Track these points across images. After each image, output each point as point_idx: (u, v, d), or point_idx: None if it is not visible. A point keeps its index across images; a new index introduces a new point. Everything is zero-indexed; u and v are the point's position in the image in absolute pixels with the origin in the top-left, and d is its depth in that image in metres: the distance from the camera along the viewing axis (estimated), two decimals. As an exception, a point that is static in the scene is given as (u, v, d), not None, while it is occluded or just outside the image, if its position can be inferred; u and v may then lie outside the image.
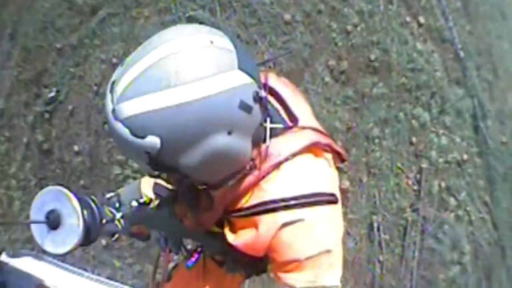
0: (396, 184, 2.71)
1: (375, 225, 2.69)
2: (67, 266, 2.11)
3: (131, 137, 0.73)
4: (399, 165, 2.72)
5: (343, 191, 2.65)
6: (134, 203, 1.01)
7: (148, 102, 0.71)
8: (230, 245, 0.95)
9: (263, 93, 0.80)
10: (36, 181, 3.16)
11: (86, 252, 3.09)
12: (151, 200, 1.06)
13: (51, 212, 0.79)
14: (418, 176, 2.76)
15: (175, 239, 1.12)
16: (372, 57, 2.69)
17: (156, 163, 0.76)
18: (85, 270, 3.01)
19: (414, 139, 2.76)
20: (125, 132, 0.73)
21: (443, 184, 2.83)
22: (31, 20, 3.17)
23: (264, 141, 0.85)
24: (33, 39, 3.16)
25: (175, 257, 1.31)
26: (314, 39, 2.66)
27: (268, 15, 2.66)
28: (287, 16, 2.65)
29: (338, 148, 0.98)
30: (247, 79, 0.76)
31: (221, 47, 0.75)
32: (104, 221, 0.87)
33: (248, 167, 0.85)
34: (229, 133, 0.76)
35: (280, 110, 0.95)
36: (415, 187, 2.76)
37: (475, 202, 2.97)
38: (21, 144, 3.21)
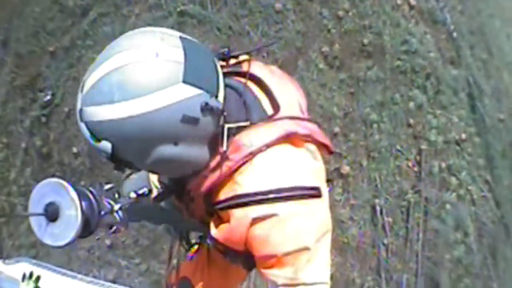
0: (396, 166, 2.71)
1: (378, 208, 2.69)
2: (62, 270, 2.12)
3: (90, 139, 0.81)
4: (399, 147, 2.72)
5: (343, 176, 2.66)
6: (133, 195, 1.00)
7: (98, 112, 0.76)
8: (212, 238, 0.95)
9: (215, 102, 0.79)
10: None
11: (91, 254, 3.09)
12: (150, 191, 1.04)
13: (50, 204, 0.78)
14: (418, 157, 2.76)
15: (179, 230, 1.12)
16: (365, 41, 2.70)
17: (113, 161, 0.81)
18: (91, 271, 3.04)
19: (411, 121, 2.76)
20: (87, 133, 0.80)
21: (443, 164, 2.83)
22: (22, 25, 3.17)
23: (222, 144, 0.83)
24: (25, 44, 3.15)
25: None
26: (306, 27, 2.66)
27: (259, 5, 2.66)
28: (278, 5, 2.66)
29: (322, 139, 0.93)
30: (194, 91, 0.76)
31: (166, 60, 0.76)
32: (102, 212, 0.86)
33: (218, 158, 0.84)
34: (175, 143, 0.78)
35: (262, 99, 0.92)
36: (416, 169, 2.76)
37: (476, 181, 2.98)
38: (19, 149, 3.21)
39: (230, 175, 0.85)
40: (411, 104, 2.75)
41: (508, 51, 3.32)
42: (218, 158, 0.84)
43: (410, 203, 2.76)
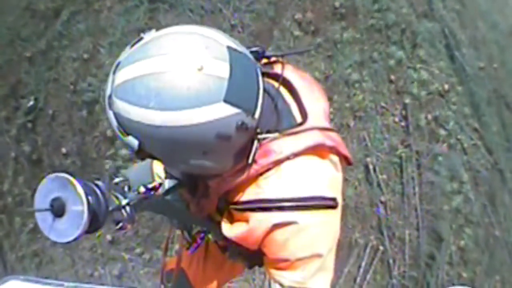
0: (383, 123, 2.73)
1: (371, 167, 2.71)
2: (50, 281, 2.15)
3: (117, 129, 0.79)
4: (383, 104, 2.74)
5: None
6: (142, 189, 0.98)
7: (130, 111, 0.74)
8: (224, 237, 0.96)
9: (251, 121, 0.77)
10: (32, 193, 3.15)
11: (94, 252, 3.09)
12: (160, 184, 1.03)
13: (56, 199, 0.77)
14: (403, 112, 2.78)
15: (183, 224, 1.13)
16: (337, 4, 2.72)
17: (138, 154, 0.80)
18: (96, 270, 3.04)
19: (393, 77, 2.78)
20: (115, 122, 0.78)
21: (429, 116, 2.85)
22: (-4, 36, 3.17)
23: (248, 159, 0.82)
24: (1, 54, 3.15)
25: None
26: (276, -3, 2.68)
27: (227, -18, 2.68)
28: (246, -21, 2.68)
29: (344, 151, 0.95)
30: (232, 110, 0.74)
31: (210, 75, 0.72)
32: (110, 208, 0.84)
33: (251, 159, 0.83)
34: (204, 153, 0.78)
35: (291, 105, 0.92)
36: (403, 123, 2.78)
37: (465, 130, 3.00)
38: (9, 160, 3.20)
39: (254, 178, 0.86)
40: (390, 61, 2.77)
41: (481, 1, 3.35)
42: (245, 161, 0.84)
43: (402, 158, 2.78)
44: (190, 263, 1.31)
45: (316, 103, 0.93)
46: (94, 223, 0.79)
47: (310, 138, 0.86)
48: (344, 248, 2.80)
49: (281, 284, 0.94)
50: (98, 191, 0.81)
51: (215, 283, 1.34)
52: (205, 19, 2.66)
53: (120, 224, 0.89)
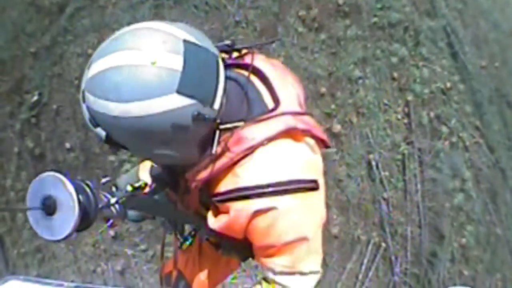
0: (386, 120, 2.74)
1: (374, 163, 2.72)
2: (52, 282, 2.17)
3: (88, 121, 0.84)
4: (386, 101, 2.75)
5: (335, 135, 2.69)
6: (129, 188, 1.01)
7: (95, 103, 0.78)
8: (213, 231, 0.96)
9: (209, 111, 0.79)
10: (34, 188, 3.16)
11: (97, 248, 3.09)
12: (146, 184, 1.05)
13: (47, 198, 0.78)
14: (406, 109, 2.80)
15: (173, 222, 1.13)
16: (341, 1, 2.74)
17: (108, 143, 0.84)
18: (99, 265, 3.04)
19: (395, 74, 2.80)
20: (87, 115, 0.83)
21: (432, 114, 2.87)
22: (1, 32, 3.19)
23: (211, 150, 0.84)
24: (6, 50, 3.17)
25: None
26: (280, -7, 2.70)
27: (232, -22, 2.70)
28: (252, -24, 2.70)
29: (320, 134, 0.94)
30: (186, 101, 0.76)
31: (163, 67, 0.75)
32: (99, 205, 0.86)
33: (219, 150, 0.84)
34: (165, 143, 0.81)
35: (263, 92, 0.92)
36: (405, 120, 2.79)
37: (467, 128, 3.02)
38: (12, 155, 3.21)
39: (230, 167, 0.86)
40: (393, 58, 2.79)
41: (482, 0, 3.38)
42: (218, 150, 0.85)
43: (404, 155, 2.79)
44: (186, 264, 1.32)
45: (288, 89, 0.94)
46: (85, 221, 0.80)
47: (282, 122, 0.87)
48: (347, 245, 2.81)
49: (272, 270, 0.96)
50: (88, 190, 0.83)
51: (211, 281, 1.34)
52: (209, 15, 2.68)
53: (110, 221, 0.92)
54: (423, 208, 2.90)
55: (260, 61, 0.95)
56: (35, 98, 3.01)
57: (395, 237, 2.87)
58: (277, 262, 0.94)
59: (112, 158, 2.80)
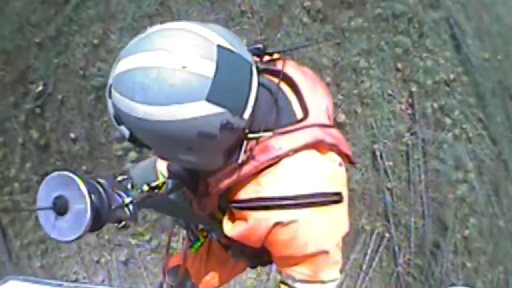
0: (390, 110, 2.76)
1: (378, 153, 2.73)
2: (52, 282, 2.20)
3: (112, 117, 0.82)
4: (390, 92, 2.77)
5: (340, 125, 2.70)
6: (145, 187, 0.99)
7: (121, 102, 0.76)
8: (226, 236, 0.95)
9: (238, 121, 0.77)
10: (38, 179, 3.16)
11: (100, 237, 3.09)
12: (163, 183, 1.04)
13: (58, 197, 0.75)
14: (410, 100, 2.81)
15: (186, 222, 1.13)
16: (344, -8, 2.75)
17: (132, 142, 0.83)
18: (103, 256, 3.04)
19: (399, 65, 2.81)
20: (112, 111, 0.81)
21: (435, 105, 2.88)
22: (6, 22, 3.19)
23: (237, 158, 0.82)
24: (11, 40, 3.17)
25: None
26: (285, -16, 2.71)
27: (237, -32, 2.71)
28: (257, -33, 2.71)
29: (345, 149, 0.93)
30: (215, 109, 0.74)
31: (194, 73, 0.72)
32: (112, 206, 0.83)
33: (244, 158, 0.83)
34: (189, 150, 0.78)
35: (293, 101, 0.91)
36: (409, 111, 2.81)
37: (470, 119, 3.03)
38: (17, 145, 3.21)
39: (253, 175, 0.85)
40: (397, 49, 2.80)
41: (485, -7, 3.39)
42: (243, 157, 0.83)
43: (408, 146, 2.81)
44: (193, 261, 1.32)
45: (318, 99, 0.92)
46: (97, 222, 0.78)
47: (309, 134, 0.85)
48: (351, 235, 2.82)
49: (292, 278, 0.95)
50: (101, 190, 0.81)
51: (216, 281, 1.34)
52: (215, 5, 2.69)
53: (123, 223, 0.88)
54: (427, 198, 2.91)
55: (291, 68, 0.93)
56: (40, 88, 3.01)
57: (398, 227, 2.88)
58: (298, 270, 0.93)
59: (117, 147, 2.81)
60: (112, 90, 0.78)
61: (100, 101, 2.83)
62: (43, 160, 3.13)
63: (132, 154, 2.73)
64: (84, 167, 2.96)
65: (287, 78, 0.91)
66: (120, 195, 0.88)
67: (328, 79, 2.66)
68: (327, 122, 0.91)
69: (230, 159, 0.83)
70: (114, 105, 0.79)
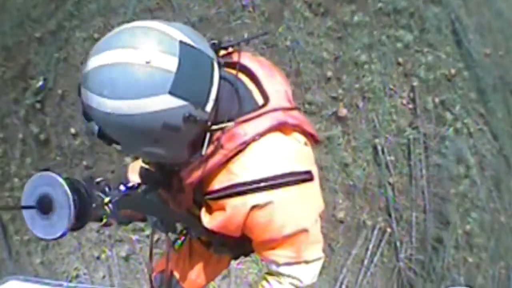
0: (391, 105, 2.75)
1: (379, 148, 2.73)
2: (50, 281, 2.21)
3: (83, 114, 0.84)
4: (391, 86, 2.76)
5: (341, 119, 2.70)
6: (122, 187, 1.01)
7: (89, 98, 0.79)
8: (206, 228, 0.97)
9: (201, 113, 0.80)
10: (39, 174, 3.16)
11: (101, 234, 3.08)
12: (139, 184, 1.05)
13: (42, 197, 0.78)
14: (411, 94, 2.81)
15: (166, 222, 1.12)
16: (346, -13, 2.75)
17: (100, 138, 0.85)
18: (103, 252, 3.03)
19: (401, 60, 2.81)
20: (82, 108, 0.83)
21: (437, 100, 2.88)
22: (6, 18, 3.18)
23: (202, 150, 0.84)
24: (11, 36, 3.16)
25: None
26: (287, -22, 2.71)
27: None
28: (258, -40, 2.70)
29: (309, 128, 0.96)
30: (178, 102, 0.77)
31: (157, 67, 0.76)
32: (93, 205, 0.86)
33: (212, 148, 0.85)
34: (155, 141, 0.81)
35: (252, 90, 0.94)
36: (411, 106, 2.80)
37: (471, 114, 3.03)
38: (17, 141, 3.20)
39: (224, 164, 0.87)
40: (398, 44, 2.80)
41: (486, -11, 3.39)
42: (211, 147, 0.86)
43: (409, 140, 2.80)
44: (177, 263, 1.33)
45: (276, 86, 0.95)
46: (80, 220, 0.81)
47: (273, 118, 0.88)
48: (352, 230, 2.81)
49: (276, 262, 0.97)
50: (82, 189, 0.83)
51: (203, 279, 1.35)
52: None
53: (104, 221, 0.91)
54: (428, 193, 2.91)
55: (247, 59, 0.96)
56: (41, 83, 3.00)
57: (400, 222, 2.87)
58: (281, 254, 0.95)
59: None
60: (82, 88, 0.80)
61: (100, 95, 2.82)
62: (43, 155, 3.12)
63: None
64: (84, 162, 2.95)
65: (245, 68, 0.94)
66: (99, 195, 0.91)
67: (329, 73, 2.65)
68: (288, 105, 0.94)
69: (197, 151, 0.85)
70: (83, 102, 0.81)
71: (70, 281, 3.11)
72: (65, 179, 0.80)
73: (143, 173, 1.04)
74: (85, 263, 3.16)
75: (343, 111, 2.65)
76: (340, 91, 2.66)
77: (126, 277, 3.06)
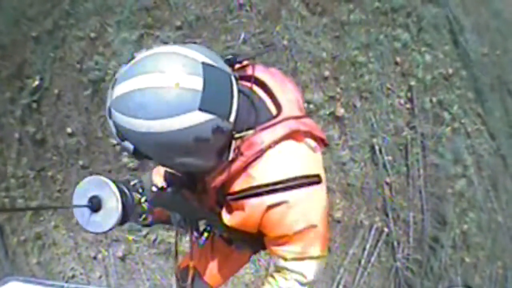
0: (389, 104, 2.75)
1: (377, 147, 2.72)
2: (53, 283, 2.21)
3: (116, 135, 0.92)
4: (389, 86, 2.76)
5: (339, 119, 2.69)
6: (154, 188, 1.10)
7: (124, 120, 0.87)
8: (226, 225, 1.07)
9: (226, 124, 0.89)
10: (35, 174, 3.13)
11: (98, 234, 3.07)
12: (167, 186, 1.15)
13: (93, 197, 0.91)
14: (408, 94, 2.80)
15: (190, 220, 1.23)
16: (344, -14, 2.74)
17: (135, 155, 0.93)
18: (100, 252, 3.02)
19: (398, 59, 2.80)
20: (114, 129, 0.92)
21: (434, 100, 2.87)
22: (2, 16, 3.16)
23: (228, 156, 0.94)
24: (7, 34, 3.14)
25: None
26: (284, -23, 2.70)
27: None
28: (255, -40, 2.69)
29: (319, 133, 1.05)
30: (207, 117, 0.85)
31: (186, 88, 0.84)
32: (134, 203, 0.99)
33: (233, 155, 0.94)
34: (187, 154, 0.90)
35: (266, 100, 1.03)
36: (408, 105, 2.80)
37: (469, 114, 3.03)
38: (13, 141, 3.18)
39: (243, 169, 0.97)
40: (396, 43, 2.80)
41: (483, -12, 3.39)
42: (232, 155, 0.95)
43: (407, 140, 2.80)
44: (200, 259, 1.43)
45: (288, 95, 1.05)
46: (125, 216, 0.95)
47: (286, 126, 0.98)
48: (349, 229, 2.81)
49: (284, 257, 1.06)
50: (126, 190, 0.97)
51: (224, 273, 1.46)
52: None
53: (144, 216, 1.04)
54: (426, 193, 2.90)
55: (260, 72, 1.06)
56: (37, 82, 2.98)
57: (397, 222, 2.87)
58: (289, 250, 1.05)
59: (114, 142, 2.79)
60: (113, 111, 0.88)
61: (96, 95, 2.81)
62: (39, 155, 3.10)
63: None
64: (80, 162, 2.94)
65: (258, 80, 1.04)
66: (136, 195, 1.05)
67: (327, 73, 2.65)
68: (299, 113, 1.04)
69: (222, 157, 0.95)
70: (116, 124, 0.89)
71: (66, 282, 3.10)
72: (112, 181, 0.93)
73: (168, 176, 1.12)
74: (82, 263, 3.14)
75: (341, 111, 2.64)
76: (337, 90, 2.65)
77: (123, 277, 3.04)
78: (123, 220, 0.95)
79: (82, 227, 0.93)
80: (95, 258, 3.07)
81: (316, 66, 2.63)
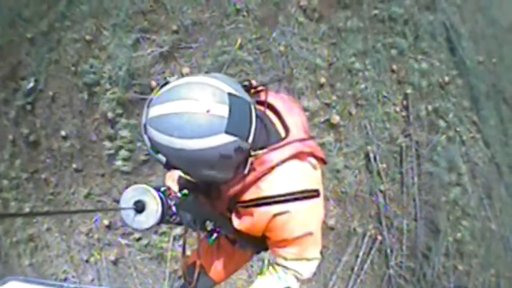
0: (384, 112, 2.74)
1: (371, 155, 2.72)
2: (53, 283, 2.22)
3: (150, 148, 1.08)
4: (385, 93, 2.75)
5: (334, 126, 2.69)
6: (178, 194, 1.25)
7: (160, 137, 1.04)
8: (236, 229, 1.24)
9: (246, 144, 1.07)
10: (28, 176, 3.12)
11: (90, 237, 3.05)
12: (190, 192, 1.30)
13: (138, 201, 1.07)
14: (404, 102, 2.80)
15: (201, 221, 1.38)
16: (341, -7, 2.73)
17: (166, 166, 1.10)
18: (92, 255, 3.00)
19: (394, 67, 2.80)
20: (148, 143, 1.08)
21: (429, 107, 2.87)
22: (-3, 17, 3.14)
23: (244, 170, 1.11)
24: (2, 35, 3.12)
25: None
26: (281, -17, 2.68)
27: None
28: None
29: (320, 154, 1.22)
30: (231, 139, 1.03)
31: (215, 115, 1.01)
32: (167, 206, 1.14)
33: (247, 171, 1.11)
34: (211, 168, 1.08)
35: (276, 123, 1.21)
36: (404, 113, 2.79)
37: (464, 122, 3.03)
38: (6, 142, 3.16)
39: (254, 182, 1.14)
40: (392, 51, 2.79)
41: (481, -4, 3.40)
42: (242, 171, 1.12)
43: (402, 148, 2.80)
44: (205, 257, 1.60)
45: (295, 118, 1.23)
46: (162, 217, 1.09)
47: (293, 147, 1.15)
48: (343, 237, 2.80)
49: (284, 258, 1.25)
50: (163, 196, 1.12)
51: (228, 270, 1.64)
52: (210, 2, 2.66)
53: (174, 217, 1.18)
54: (419, 201, 2.90)
55: (271, 97, 1.24)
56: (31, 84, 2.96)
57: (391, 230, 2.87)
58: (289, 251, 1.23)
59: (107, 145, 2.77)
60: (149, 128, 1.05)
61: (91, 98, 2.79)
62: (33, 157, 3.08)
63: (123, 153, 2.69)
64: (74, 165, 2.92)
65: (270, 105, 1.22)
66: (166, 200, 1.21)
67: (323, 80, 2.64)
68: (304, 136, 1.21)
69: (238, 171, 1.12)
70: (151, 139, 1.05)
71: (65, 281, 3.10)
72: (154, 188, 1.08)
73: (184, 183, 1.29)
74: (74, 266, 3.13)
75: (336, 118, 2.63)
76: (333, 98, 2.65)
77: (115, 280, 3.03)
78: (160, 220, 1.09)
79: (128, 225, 1.08)
80: (87, 261, 3.06)
81: (312, 72, 2.63)
